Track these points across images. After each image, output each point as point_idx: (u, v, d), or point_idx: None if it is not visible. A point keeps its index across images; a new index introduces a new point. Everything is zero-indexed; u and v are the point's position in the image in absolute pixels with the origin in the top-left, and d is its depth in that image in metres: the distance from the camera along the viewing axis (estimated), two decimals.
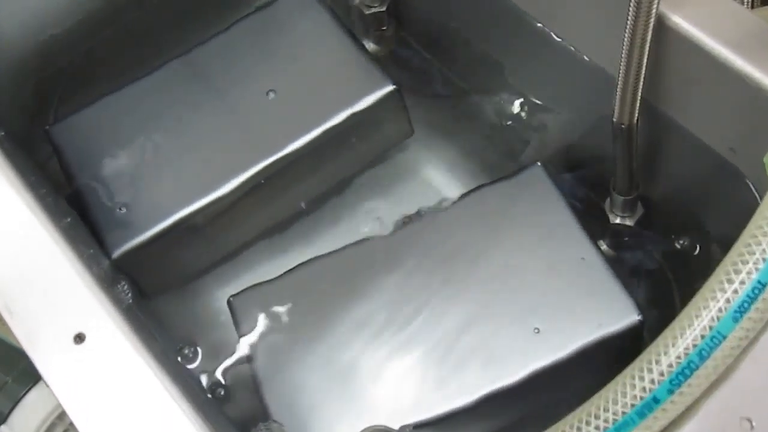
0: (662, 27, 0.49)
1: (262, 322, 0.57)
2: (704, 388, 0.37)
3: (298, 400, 0.54)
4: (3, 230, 0.45)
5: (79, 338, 0.41)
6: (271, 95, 0.64)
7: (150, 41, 0.73)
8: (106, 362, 0.41)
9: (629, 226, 0.61)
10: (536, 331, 0.53)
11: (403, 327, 0.55)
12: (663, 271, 0.61)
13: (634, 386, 0.36)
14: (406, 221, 0.60)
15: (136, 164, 0.63)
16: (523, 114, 0.68)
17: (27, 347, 0.40)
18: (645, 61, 0.49)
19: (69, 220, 0.51)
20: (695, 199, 0.57)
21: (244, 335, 0.56)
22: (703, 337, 0.36)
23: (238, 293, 0.59)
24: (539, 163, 0.60)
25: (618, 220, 0.61)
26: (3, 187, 0.46)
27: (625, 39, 0.48)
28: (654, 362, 0.37)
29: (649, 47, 0.48)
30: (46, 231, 0.45)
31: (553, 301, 0.54)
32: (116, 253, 0.59)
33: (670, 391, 0.36)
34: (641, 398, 0.36)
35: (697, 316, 0.37)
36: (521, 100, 0.68)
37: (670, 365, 0.36)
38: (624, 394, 0.36)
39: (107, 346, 0.41)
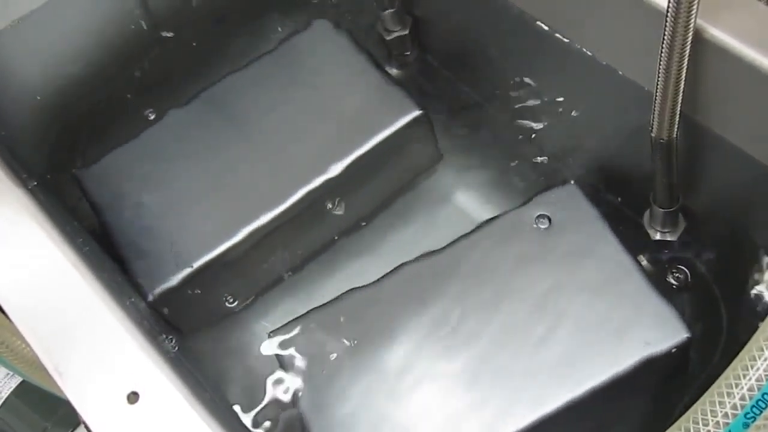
0: (700, 40, 0.48)
1: (303, 356, 0.56)
2: None
3: None
4: (47, 288, 0.45)
5: (133, 397, 0.40)
6: (298, 127, 0.64)
7: (172, 79, 0.73)
8: (163, 422, 0.40)
9: (671, 242, 0.59)
10: (583, 352, 0.52)
11: (448, 357, 0.54)
12: (708, 286, 0.59)
13: (707, 421, 0.35)
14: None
15: (166, 203, 0.62)
16: (553, 131, 0.67)
17: (80, 409, 0.40)
18: (684, 75, 0.48)
19: (107, 268, 0.50)
20: (741, 211, 0.56)
21: (285, 370, 0.56)
22: None
23: (277, 328, 0.58)
24: (573, 182, 0.59)
25: (659, 236, 0.60)
26: (45, 244, 0.46)
27: (662, 54, 0.47)
28: (726, 395, 0.36)
29: (688, 61, 0.47)
30: (90, 286, 0.44)
31: (597, 322, 0.53)
32: (152, 296, 0.58)
33: (746, 425, 0.35)
34: None
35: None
36: (551, 117, 0.67)
37: (743, 398, 0.35)
38: (698, 431, 0.35)
39: (162, 404, 0.40)
